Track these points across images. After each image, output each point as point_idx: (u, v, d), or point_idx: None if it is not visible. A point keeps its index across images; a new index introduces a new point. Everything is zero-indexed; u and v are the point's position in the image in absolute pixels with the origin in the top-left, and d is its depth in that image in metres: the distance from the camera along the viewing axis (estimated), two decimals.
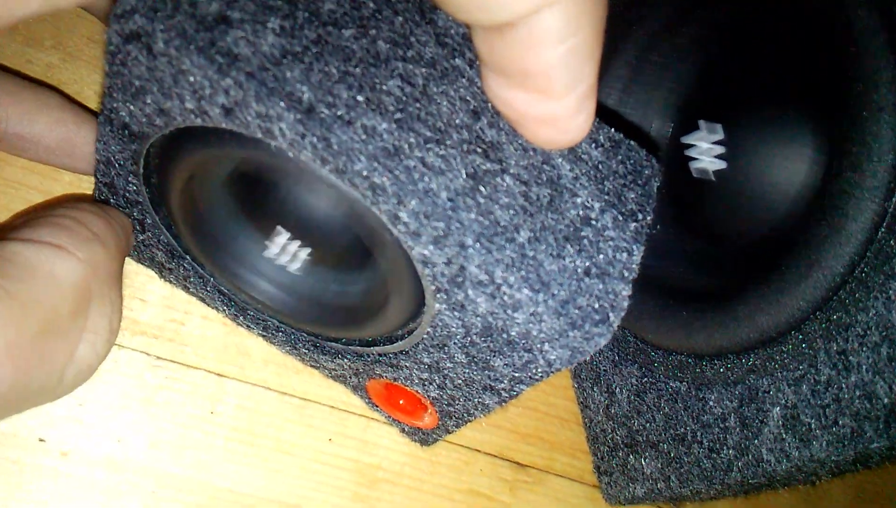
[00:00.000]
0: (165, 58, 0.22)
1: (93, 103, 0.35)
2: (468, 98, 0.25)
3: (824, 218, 0.29)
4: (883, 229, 0.28)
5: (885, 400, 0.27)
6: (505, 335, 0.26)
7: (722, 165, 0.35)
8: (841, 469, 0.32)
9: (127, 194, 0.30)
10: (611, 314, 0.25)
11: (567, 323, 0.24)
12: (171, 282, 0.35)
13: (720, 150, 0.35)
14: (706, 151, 0.35)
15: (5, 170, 0.33)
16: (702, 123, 0.35)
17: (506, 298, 0.24)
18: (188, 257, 0.32)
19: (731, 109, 0.35)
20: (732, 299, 0.33)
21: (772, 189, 0.33)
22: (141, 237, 0.32)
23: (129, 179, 0.29)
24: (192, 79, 0.22)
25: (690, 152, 0.36)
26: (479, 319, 0.25)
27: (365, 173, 0.22)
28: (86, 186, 0.35)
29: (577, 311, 0.24)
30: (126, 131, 0.26)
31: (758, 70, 0.35)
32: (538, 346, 0.25)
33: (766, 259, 0.32)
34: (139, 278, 0.35)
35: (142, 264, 0.34)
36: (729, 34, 0.36)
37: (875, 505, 0.50)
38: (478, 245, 0.23)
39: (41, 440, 0.31)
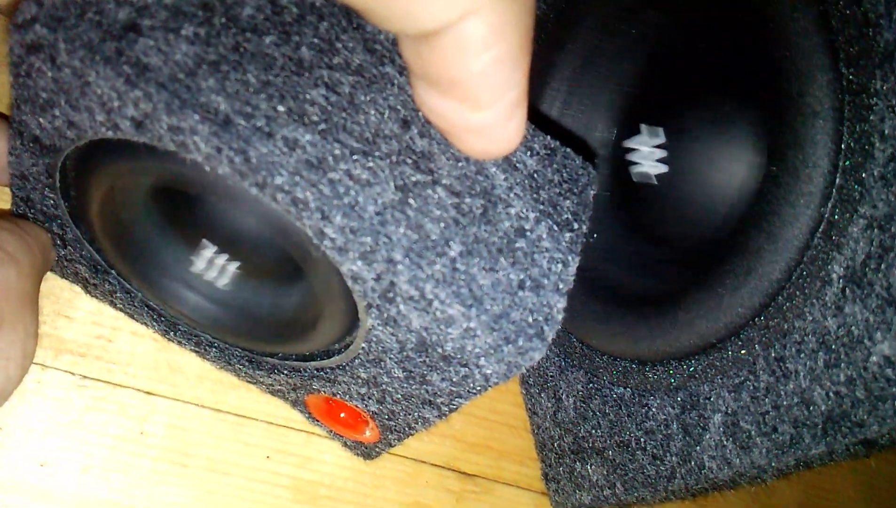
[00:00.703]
0: (70, 69, 0.21)
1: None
2: (398, 107, 0.24)
3: (762, 224, 0.29)
4: (819, 235, 0.28)
5: (823, 407, 0.27)
6: (440, 350, 0.25)
7: (664, 168, 0.35)
8: (783, 472, 0.33)
9: (45, 208, 0.29)
10: (545, 328, 0.24)
11: (501, 338, 0.23)
12: (97, 297, 0.34)
13: (662, 154, 0.35)
14: (647, 155, 0.35)
15: None
16: (643, 126, 0.35)
17: (438, 313, 0.23)
18: (113, 271, 0.31)
19: (672, 112, 0.35)
20: (674, 304, 0.33)
21: (712, 193, 0.33)
22: (63, 252, 0.31)
23: (46, 192, 0.28)
24: (98, 91, 0.21)
25: (631, 157, 0.36)
26: (412, 334, 0.25)
27: (286, 188, 0.21)
28: (6, 197, 0.33)
29: (511, 326, 0.23)
30: (37, 145, 0.25)
31: (698, 73, 0.35)
32: (474, 361, 0.25)
33: (706, 264, 0.32)
34: (64, 293, 0.33)
35: (65, 279, 0.33)
36: (669, 36, 0.36)
37: (822, 501, 0.51)
38: (407, 260, 0.22)
39: None
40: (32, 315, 0.27)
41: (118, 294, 0.32)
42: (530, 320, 0.24)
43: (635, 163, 0.36)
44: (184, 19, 0.21)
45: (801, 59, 0.28)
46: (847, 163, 0.27)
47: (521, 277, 0.24)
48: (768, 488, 0.49)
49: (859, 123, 0.27)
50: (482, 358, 0.24)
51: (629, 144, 0.36)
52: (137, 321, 0.34)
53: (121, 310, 0.34)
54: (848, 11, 0.27)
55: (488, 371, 0.25)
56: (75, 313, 0.33)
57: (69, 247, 0.30)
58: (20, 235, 0.28)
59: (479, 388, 0.26)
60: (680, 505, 0.45)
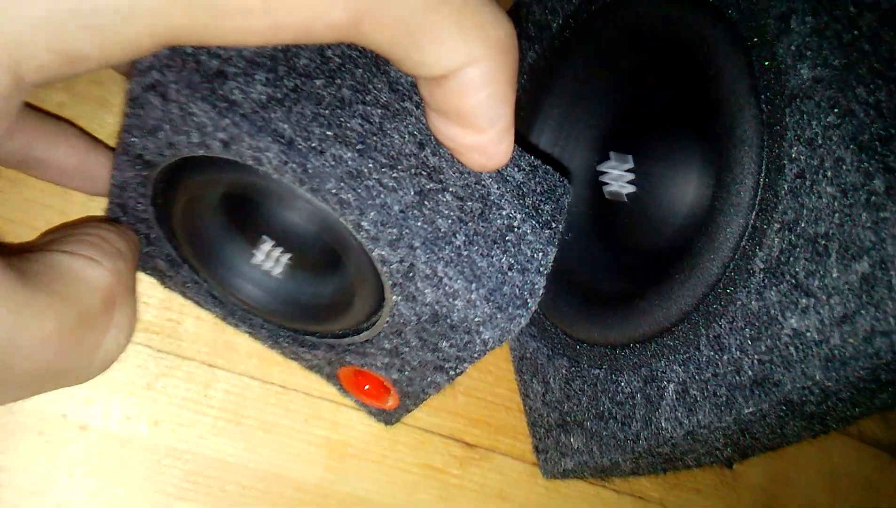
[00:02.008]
0: (176, 103, 0.26)
1: (99, 136, 0.40)
2: (415, 133, 0.31)
3: (703, 230, 0.36)
4: (746, 238, 0.34)
5: (750, 373, 0.33)
6: (448, 321, 0.31)
7: (633, 188, 0.42)
8: (729, 437, 0.39)
9: (136, 213, 0.35)
10: (529, 300, 0.31)
11: (495, 307, 0.30)
12: (170, 288, 0.40)
13: (632, 176, 0.43)
14: (618, 178, 0.42)
15: (26, 191, 0.38)
16: (612, 153, 0.43)
17: (447, 288, 0.30)
18: (186, 265, 0.37)
19: (639, 142, 0.42)
20: (637, 299, 0.39)
21: (669, 208, 0.40)
22: (146, 249, 0.37)
23: (139, 200, 0.34)
24: (197, 120, 0.26)
25: (603, 179, 0.43)
26: (427, 307, 0.31)
27: (334, 191, 0.27)
28: (94, 204, 0.40)
29: (502, 298, 0.30)
30: (140, 161, 0.31)
31: (659, 110, 0.42)
32: (475, 328, 0.31)
33: (662, 266, 0.38)
34: (142, 284, 0.39)
35: (145, 272, 0.40)
36: (636, 81, 0.44)
37: (785, 487, 0.57)
38: (424, 246, 0.28)
39: (63, 415, 0.36)
40: (134, 300, 0.33)
41: (188, 285, 0.39)
42: (518, 293, 0.31)
43: (605, 184, 0.43)
44: (257, 67, 0.27)
45: (733, 99, 0.35)
46: (766, 180, 0.34)
47: (511, 261, 0.31)
48: (734, 472, 0.55)
49: (775, 148, 0.33)
50: (481, 326, 0.31)
51: (601, 168, 0.44)
52: (202, 307, 0.40)
53: (189, 298, 0.40)
54: (766, 63, 0.34)
55: (486, 337, 0.31)
56: (150, 300, 0.40)
57: (152, 245, 0.37)
58: (121, 235, 0.35)
59: (479, 352, 0.33)
60: (653, 480, 0.51)
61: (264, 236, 0.35)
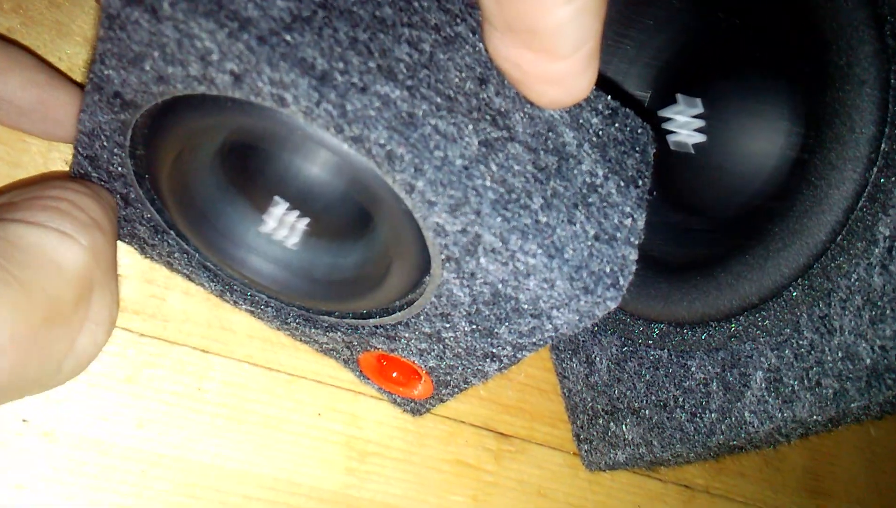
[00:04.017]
0: (171, 22, 0.21)
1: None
2: (474, 66, 0.25)
3: (807, 188, 0.31)
4: (864, 198, 0.29)
5: (868, 361, 0.29)
6: (513, 303, 0.26)
7: (701, 138, 0.36)
8: (812, 430, 0.34)
9: (110, 168, 0.29)
10: (621, 278, 0.25)
11: (580, 288, 0.24)
12: (152, 258, 0.34)
13: (699, 123, 0.36)
14: (684, 125, 0.36)
15: None
16: (680, 96, 0.36)
17: (520, 265, 0.24)
18: (173, 231, 0.31)
19: (710, 82, 0.36)
20: (714, 269, 0.34)
21: (751, 161, 0.34)
22: (123, 213, 0.31)
23: (115, 151, 0.28)
24: (199, 44, 0.21)
25: (668, 126, 0.37)
26: (488, 287, 0.26)
27: (382, 142, 0.22)
28: (55, 154, 0.34)
29: (589, 276, 0.24)
30: (117, 100, 0.25)
31: (737, 44, 0.36)
32: (546, 312, 0.26)
33: (748, 229, 0.33)
34: (118, 253, 0.34)
35: (122, 240, 0.33)
36: (708, 8, 0.37)
37: (827, 465, 0.53)
38: (494, 213, 0.23)
39: (24, 420, 0.30)
40: (115, 281, 0.28)
41: (175, 255, 0.33)
42: (607, 270, 0.25)
43: (671, 132, 0.37)
44: None
45: (849, 31, 0.29)
46: (893, 130, 0.28)
47: (596, 230, 0.25)
48: (777, 453, 0.51)
49: None
50: (555, 309, 0.25)
51: (666, 113, 0.37)
52: (194, 281, 0.34)
53: (176, 271, 0.34)
54: None
55: (560, 322, 0.26)
56: (127, 271, 0.34)
57: (130, 207, 0.31)
58: (97, 200, 0.28)
59: (546, 339, 0.27)
60: (701, 466, 0.47)
61: (276, 198, 0.28)
